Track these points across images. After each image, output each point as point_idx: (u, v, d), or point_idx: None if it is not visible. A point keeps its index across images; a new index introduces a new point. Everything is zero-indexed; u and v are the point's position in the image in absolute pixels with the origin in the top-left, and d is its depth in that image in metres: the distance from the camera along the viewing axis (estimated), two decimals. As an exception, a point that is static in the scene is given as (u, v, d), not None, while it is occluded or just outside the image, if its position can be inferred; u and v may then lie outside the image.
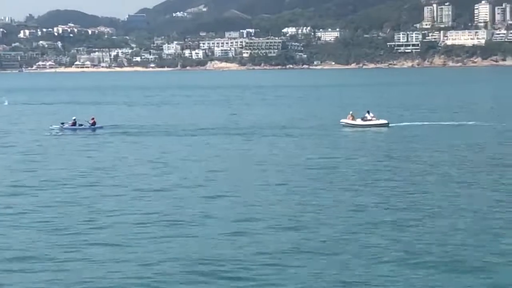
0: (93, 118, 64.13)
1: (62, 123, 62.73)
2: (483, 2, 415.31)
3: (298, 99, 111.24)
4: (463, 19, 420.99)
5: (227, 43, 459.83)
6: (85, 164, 40.88)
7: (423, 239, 22.47)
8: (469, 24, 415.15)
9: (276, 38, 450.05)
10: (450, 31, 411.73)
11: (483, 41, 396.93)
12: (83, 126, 62.62)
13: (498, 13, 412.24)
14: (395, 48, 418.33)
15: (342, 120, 61.95)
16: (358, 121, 60.51)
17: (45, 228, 24.91)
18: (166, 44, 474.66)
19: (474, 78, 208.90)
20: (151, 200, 29.76)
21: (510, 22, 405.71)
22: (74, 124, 62.85)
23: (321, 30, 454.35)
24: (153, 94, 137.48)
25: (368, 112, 61.19)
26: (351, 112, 62.43)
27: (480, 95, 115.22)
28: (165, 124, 66.49)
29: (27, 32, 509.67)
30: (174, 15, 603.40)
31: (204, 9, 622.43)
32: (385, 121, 60.18)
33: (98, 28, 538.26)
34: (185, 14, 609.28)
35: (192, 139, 53.84)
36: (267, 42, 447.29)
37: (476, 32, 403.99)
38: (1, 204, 29.15)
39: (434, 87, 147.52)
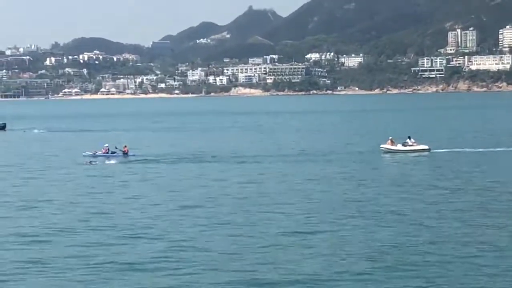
0: (125, 146, 63.15)
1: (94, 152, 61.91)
2: (507, 27, 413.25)
3: (330, 125, 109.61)
4: (488, 44, 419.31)
5: (250, 69, 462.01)
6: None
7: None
8: (494, 49, 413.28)
9: (300, 64, 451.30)
10: (475, 56, 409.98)
11: (508, 66, 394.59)
12: (115, 154, 61.68)
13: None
14: (419, 73, 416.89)
15: (382, 146, 60.62)
16: (399, 147, 59.29)
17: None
18: (190, 70, 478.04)
19: (504, 103, 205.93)
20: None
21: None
22: (107, 151, 61.99)
23: (344, 55, 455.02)
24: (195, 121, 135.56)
25: (409, 138, 60.13)
26: (390, 138, 61.10)
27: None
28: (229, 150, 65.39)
29: (53, 59, 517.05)
30: (198, 41, 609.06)
31: (228, 36, 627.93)
32: (426, 147, 59.08)
33: (123, 55, 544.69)
34: (209, 40, 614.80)
35: (237, 166, 52.60)
36: (290, 68, 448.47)
37: (501, 57, 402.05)
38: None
39: (468, 112, 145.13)
